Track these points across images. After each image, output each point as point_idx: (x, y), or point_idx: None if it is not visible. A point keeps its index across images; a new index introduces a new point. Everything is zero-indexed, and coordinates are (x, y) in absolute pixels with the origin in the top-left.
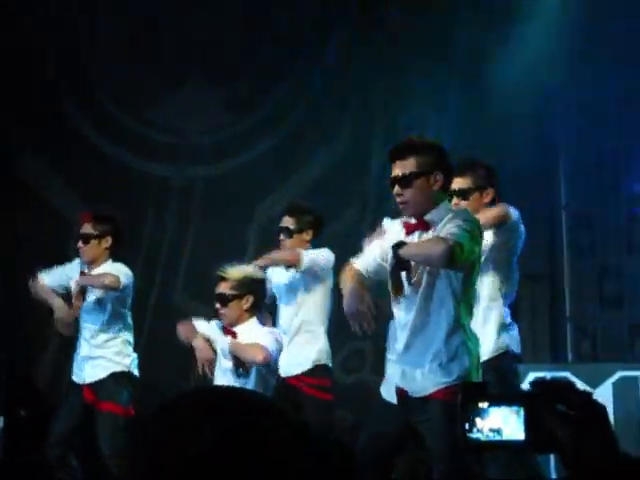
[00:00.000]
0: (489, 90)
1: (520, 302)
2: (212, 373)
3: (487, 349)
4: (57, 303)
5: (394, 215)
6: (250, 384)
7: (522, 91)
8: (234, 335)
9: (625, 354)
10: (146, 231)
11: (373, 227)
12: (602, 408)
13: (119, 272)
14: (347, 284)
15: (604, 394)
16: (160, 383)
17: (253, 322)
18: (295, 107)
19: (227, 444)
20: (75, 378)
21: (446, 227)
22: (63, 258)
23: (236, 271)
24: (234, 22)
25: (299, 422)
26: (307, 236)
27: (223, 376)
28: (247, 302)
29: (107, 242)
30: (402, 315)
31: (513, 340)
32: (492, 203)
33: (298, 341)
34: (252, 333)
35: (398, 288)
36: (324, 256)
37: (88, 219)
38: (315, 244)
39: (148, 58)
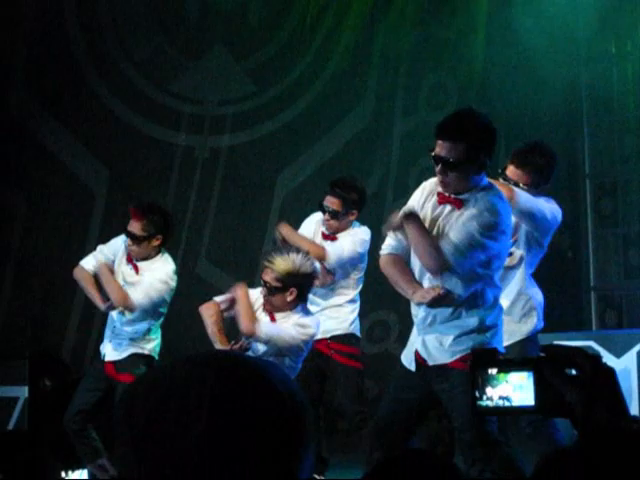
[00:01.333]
0: (513, 61)
1: (544, 272)
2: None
3: (512, 330)
4: (96, 299)
5: (419, 181)
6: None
7: (547, 64)
8: (273, 319)
9: None
10: (169, 201)
11: (394, 197)
12: (611, 371)
13: (159, 283)
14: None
15: (628, 363)
16: (183, 352)
17: (297, 312)
18: (317, 78)
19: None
20: (101, 348)
21: (461, 222)
22: (83, 226)
23: (283, 263)
24: None
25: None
26: (352, 216)
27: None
28: (291, 295)
29: (157, 240)
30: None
31: (536, 316)
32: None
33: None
34: (289, 321)
35: None
36: (352, 248)
37: (137, 218)
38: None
39: (172, 28)
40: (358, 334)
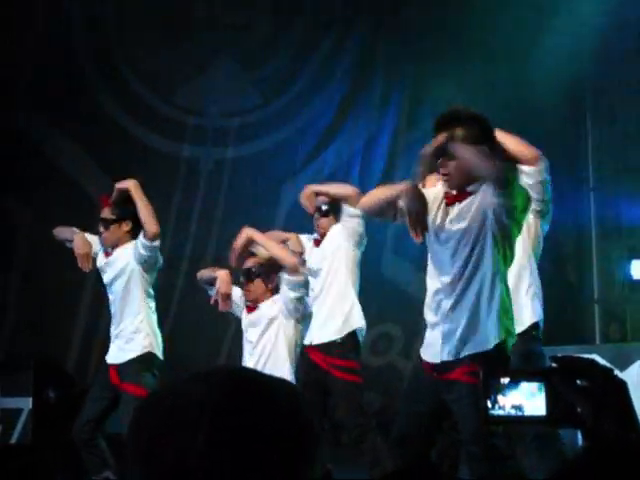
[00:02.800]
0: (517, 69)
1: (548, 284)
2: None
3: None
4: (76, 239)
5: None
6: (264, 355)
7: (551, 74)
8: (255, 309)
9: None
10: (173, 212)
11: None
12: (622, 383)
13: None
14: (404, 185)
15: (631, 376)
16: (190, 357)
17: (276, 298)
18: (322, 90)
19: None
20: (107, 356)
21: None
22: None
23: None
24: (264, 5)
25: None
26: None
27: (246, 348)
28: (272, 283)
29: (127, 225)
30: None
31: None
32: None
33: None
34: (272, 303)
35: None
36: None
37: (107, 202)
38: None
39: (177, 40)
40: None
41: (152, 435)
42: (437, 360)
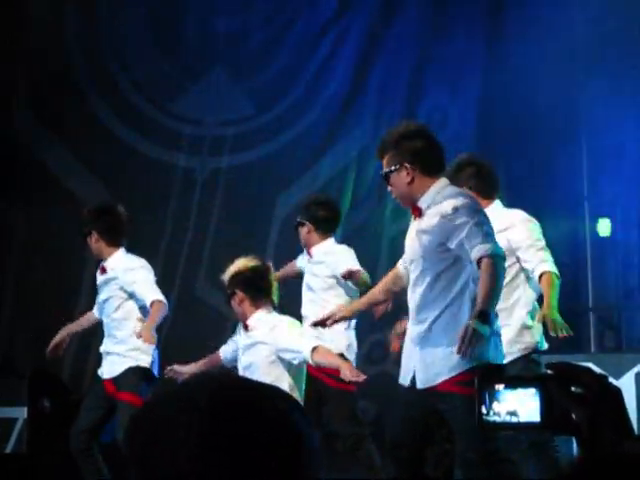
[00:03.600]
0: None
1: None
2: None
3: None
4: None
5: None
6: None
7: (545, 83)
8: (247, 328)
9: None
10: (168, 222)
11: (393, 219)
12: (617, 391)
13: (135, 268)
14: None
15: (627, 385)
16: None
17: (261, 313)
18: (316, 100)
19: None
20: (99, 371)
21: (457, 230)
22: (82, 247)
23: (228, 271)
24: (258, 14)
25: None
26: (324, 229)
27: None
28: (237, 297)
29: (94, 235)
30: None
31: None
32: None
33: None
34: (263, 323)
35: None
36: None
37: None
38: (336, 236)
39: (172, 49)
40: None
41: (146, 441)
42: (406, 383)
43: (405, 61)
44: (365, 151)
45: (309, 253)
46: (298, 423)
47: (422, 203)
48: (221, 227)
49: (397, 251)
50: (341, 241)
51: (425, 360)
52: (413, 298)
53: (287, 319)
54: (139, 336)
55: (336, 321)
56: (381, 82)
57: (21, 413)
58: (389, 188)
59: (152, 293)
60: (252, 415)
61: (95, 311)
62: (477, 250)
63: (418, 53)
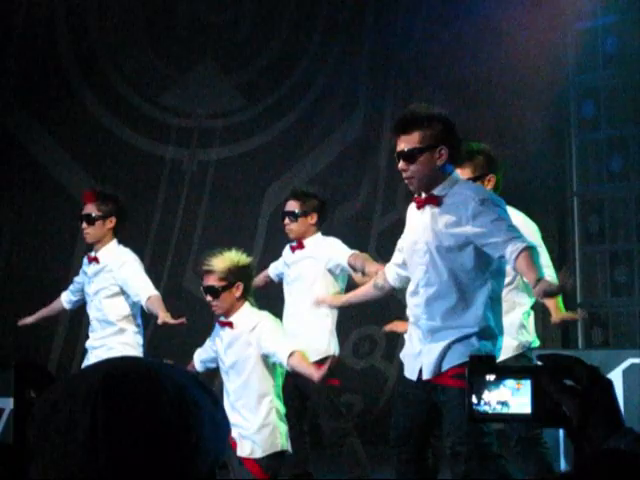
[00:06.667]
0: (498, 71)
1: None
2: None
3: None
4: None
5: (407, 195)
6: (253, 379)
7: (532, 76)
8: (231, 326)
9: (636, 341)
10: (157, 213)
11: (382, 211)
12: (608, 382)
13: (129, 262)
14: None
15: (615, 381)
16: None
17: (247, 307)
18: (306, 92)
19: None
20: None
21: (489, 229)
22: (71, 237)
23: (221, 261)
24: (248, 6)
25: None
26: (312, 220)
27: (223, 372)
28: (238, 290)
29: (111, 222)
30: (419, 295)
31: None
32: (496, 189)
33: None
34: (248, 319)
35: None
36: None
37: (91, 199)
38: (321, 228)
39: (161, 41)
40: (333, 352)
41: (40, 427)
42: (414, 378)
43: (397, 51)
44: (355, 144)
45: (300, 244)
46: (197, 397)
47: (439, 191)
48: (209, 219)
49: (386, 245)
50: (329, 234)
51: (432, 351)
52: (423, 291)
53: (268, 317)
54: (165, 324)
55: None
56: (373, 71)
57: (7, 404)
58: (404, 166)
59: (147, 289)
60: (150, 391)
61: (63, 300)
62: (512, 244)
63: (410, 46)
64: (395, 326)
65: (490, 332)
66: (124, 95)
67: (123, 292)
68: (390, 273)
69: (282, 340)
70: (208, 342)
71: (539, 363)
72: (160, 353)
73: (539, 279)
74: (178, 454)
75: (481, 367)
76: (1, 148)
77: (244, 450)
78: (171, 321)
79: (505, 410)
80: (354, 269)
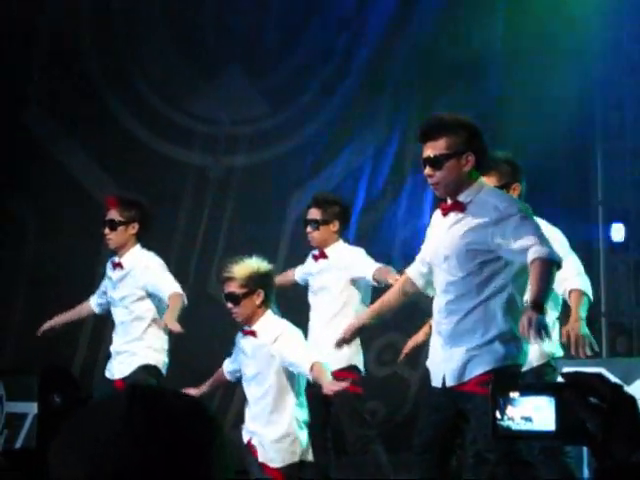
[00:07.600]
0: (523, 83)
1: None
2: None
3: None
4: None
5: (434, 201)
6: (275, 390)
7: (557, 87)
8: (254, 334)
9: None
10: (181, 220)
11: (405, 221)
12: (632, 400)
13: (152, 266)
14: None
15: (639, 390)
16: (193, 370)
17: (269, 315)
18: (331, 100)
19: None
20: (107, 373)
21: (513, 235)
22: (96, 242)
23: (242, 268)
24: (274, 12)
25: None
26: (334, 227)
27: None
28: (259, 297)
29: (134, 228)
30: (442, 300)
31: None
32: (520, 197)
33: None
34: (270, 328)
35: None
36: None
37: (114, 204)
38: (344, 235)
39: (187, 47)
40: (357, 364)
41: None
42: (439, 385)
43: (419, 61)
44: (379, 151)
45: (322, 254)
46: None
47: (464, 197)
48: (234, 226)
49: (410, 253)
50: (353, 242)
51: (454, 357)
52: (444, 296)
53: (290, 328)
54: (166, 327)
55: (353, 335)
56: (396, 80)
57: (31, 408)
58: (430, 172)
59: (169, 286)
60: (178, 403)
61: (93, 303)
62: (534, 251)
63: (431, 55)
64: (412, 342)
65: (512, 335)
66: (149, 101)
67: (149, 295)
68: (413, 272)
69: (303, 352)
70: (234, 352)
71: (562, 380)
72: (183, 355)
73: (533, 302)
74: (201, 468)
75: (505, 383)
76: (26, 153)
77: (264, 457)
78: (170, 326)
79: (529, 426)
80: (378, 282)
